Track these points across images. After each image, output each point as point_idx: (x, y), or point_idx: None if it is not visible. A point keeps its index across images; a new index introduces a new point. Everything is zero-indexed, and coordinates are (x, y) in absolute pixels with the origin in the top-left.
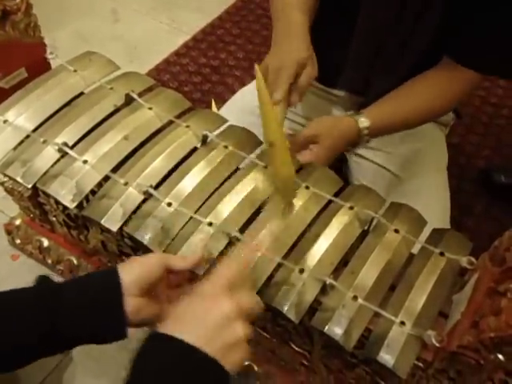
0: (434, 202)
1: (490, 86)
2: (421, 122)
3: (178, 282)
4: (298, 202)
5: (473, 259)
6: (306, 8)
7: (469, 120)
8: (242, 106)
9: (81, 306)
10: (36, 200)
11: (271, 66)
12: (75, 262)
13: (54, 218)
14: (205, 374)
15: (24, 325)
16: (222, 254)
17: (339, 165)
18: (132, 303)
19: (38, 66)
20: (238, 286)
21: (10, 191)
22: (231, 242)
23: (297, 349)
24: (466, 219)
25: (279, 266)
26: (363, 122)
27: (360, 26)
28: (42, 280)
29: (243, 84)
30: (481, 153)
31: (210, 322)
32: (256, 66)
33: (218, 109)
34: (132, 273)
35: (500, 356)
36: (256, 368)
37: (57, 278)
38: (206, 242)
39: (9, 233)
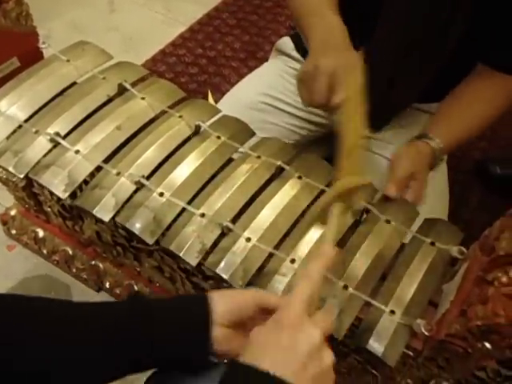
0: (432, 196)
1: None
2: (481, 131)
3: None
4: (289, 192)
5: (463, 249)
6: (336, 8)
7: None
8: (242, 100)
9: (171, 330)
10: (30, 190)
11: (331, 66)
12: (70, 252)
13: (48, 209)
14: None
15: (119, 346)
16: (215, 244)
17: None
18: (219, 332)
19: (31, 56)
20: (314, 305)
21: (4, 182)
22: (223, 233)
23: None
24: (462, 210)
25: (270, 256)
26: (436, 143)
27: (383, 30)
28: (135, 297)
29: (240, 75)
30: (477, 144)
31: (298, 352)
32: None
33: (215, 100)
34: (223, 303)
35: (487, 344)
36: None
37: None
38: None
39: (4, 223)
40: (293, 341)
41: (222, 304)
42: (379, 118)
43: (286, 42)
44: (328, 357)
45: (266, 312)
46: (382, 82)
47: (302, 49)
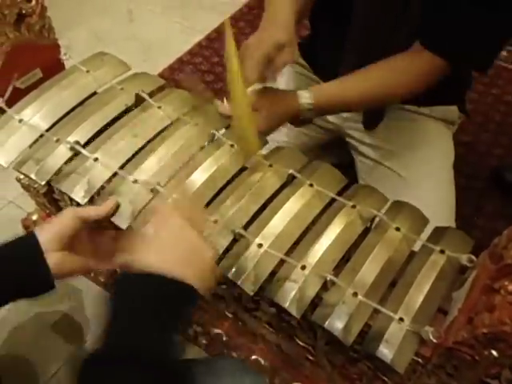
0: (436, 200)
1: (503, 84)
2: (372, 104)
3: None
4: (301, 200)
5: (472, 257)
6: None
7: (481, 118)
8: None
9: (4, 266)
10: (51, 196)
11: (248, 48)
12: None
13: None
14: (181, 300)
15: None
16: (227, 250)
17: (347, 164)
18: (54, 258)
19: (53, 67)
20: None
21: (26, 188)
22: (236, 239)
23: (301, 344)
24: (478, 218)
25: (282, 262)
26: (306, 98)
27: (355, 21)
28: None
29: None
30: (493, 151)
31: (181, 250)
32: (225, 20)
33: None
34: (48, 230)
35: (494, 352)
36: (263, 362)
37: None
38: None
39: (26, 227)
40: (172, 238)
41: (45, 233)
42: (368, 115)
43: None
44: (210, 253)
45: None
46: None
47: (308, 56)
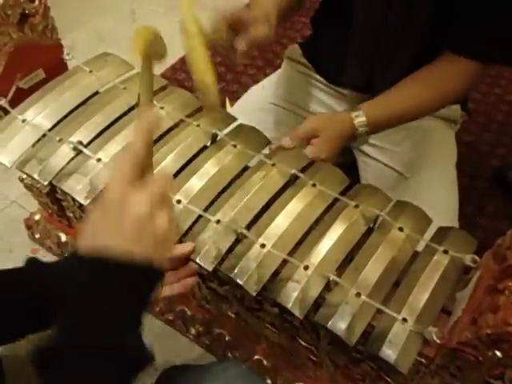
0: (439, 200)
1: (505, 83)
2: (419, 116)
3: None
4: (303, 200)
5: (476, 257)
6: None
7: (484, 118)
8: (253, 103)
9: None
10: (54, 196)
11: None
12: None
13: (71, 214)
14: (139, 280)
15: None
16: (230, 250)
17: (349, 164)
18: None
19: (56, 67)
20: (141, 173)
21: (29, 187)
22: (238, 239)
23: (304, 344)
24: (480, 218)
25: (285, 262)
26: (359, 117)
27: (356, 22)
28: (30, 261)
29: (257, 82)
30: (495, 151)
31: (129, 227)
32: None
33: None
34: None
35: (498, 353)
36: (265, 362)
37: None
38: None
39: (29, 227)
40: (120, 217)
41: None
42: None
43: (295, 49)
44: (162, 220)
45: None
46: (363, 74)
47: (310, 55)
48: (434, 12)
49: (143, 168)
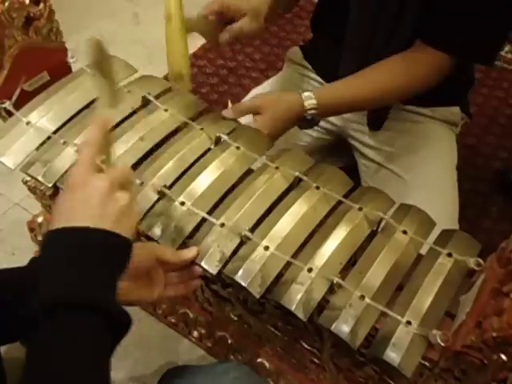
0: (439, 202)
1: (508, 86)
2: (377, 103)
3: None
4: (307, 202)
5: (480, 260)
6: None
7: (486, 121)
8: None
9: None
10: None
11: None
12: None
13: None
14: (109, 248)
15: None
16: (234, 252)
17: (350, 167)
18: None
19: (60, 70)
20: (107, 160)
21: (32, 190)
22: (242, 242)
23: (307, 347)
24: (482, 220)
25: (288, 264)
26: (309, 99)
27: (350, 22)
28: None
29: (259, 85)
30: (497, 154)
31: (91, 203)
32: None
33: None
34: None
35: (503, 356)
36: (268, 365)
37: None
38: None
39: (32, 230)
40: (83, 196)
41: None
42: (372, 115)
43: (296, 52)
44: (122, 198)
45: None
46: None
47: (310, 57)
48: (423, 11)
49: (103, 157)
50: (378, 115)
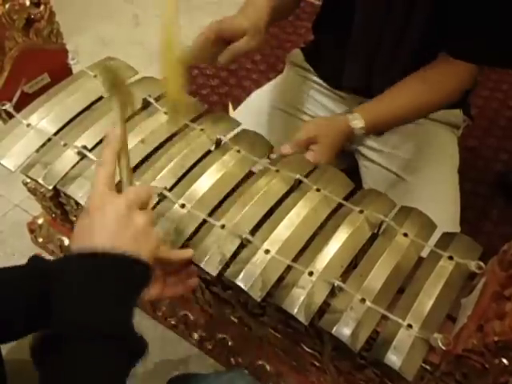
0: (441, 205)
1: (508, 88)
2: (417, 116)
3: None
4: (308, 205)
5: (481, 263)
6: None
7: (486, 123)
8: (255, 107)
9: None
10: (57, 200)
11: (211, 24)
12: None
13: (74, 218)
14: (127, 270)
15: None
16: (234, 255)
17: (351, 169)
18: None
19: (60, 72)
20: (125, 179)
21: (32, 191)
22: (243, 244)
23: (308, 350)
24: (483, 223)
25: (289, 268)
26: (356, 121)
27: (357, 24)
28: (34, 259)
29: (260, 87)
30: (498, 156)
31: (108, 224)
32: None
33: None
34: None
35: (504, 360)
36: (268, 368)
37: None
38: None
39: (32, 231)
40: (100, 217)
41: None
42: None
43: (297, 54)
44: (139, 218)
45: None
46: (362, 77)
47: (311, 59)
48: (432, 14)
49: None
50: None
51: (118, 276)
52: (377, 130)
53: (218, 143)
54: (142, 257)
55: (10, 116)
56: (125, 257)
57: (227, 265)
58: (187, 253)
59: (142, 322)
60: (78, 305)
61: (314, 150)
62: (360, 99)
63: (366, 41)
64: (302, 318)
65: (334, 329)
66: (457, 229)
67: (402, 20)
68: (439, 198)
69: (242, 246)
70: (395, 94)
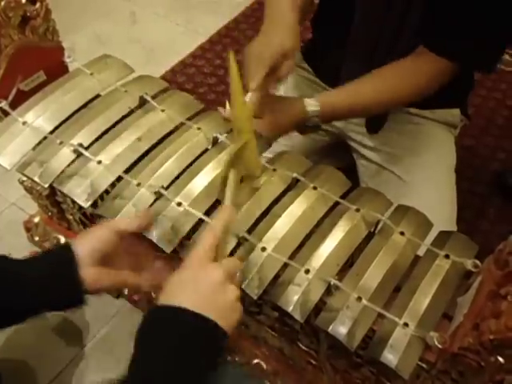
0: (437, 204)
1: (506, 88)
2: (379, 109)
3: (139, 251)
4: (305, 203)
5: (478, 262)
6: (297, 6)
7: (484, 122)
8: None
9: (38, 282)
10: (53, 199)
11: (252, 54)
12: None
13: (70, 217)
14: (207, 336)
15: None
16: (231, 253)
17: (348, 167)
18: (89, 273)
19: (56, 69)
20: (218, 252)
21: (29, 190)
22: (240, 242)
23: (304, 348)
24: (479, 222)
25: (285, 266)
26: (312, 106)
27: (355, 22)
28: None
29: None
30: (496, 155)
31: (203, 289)
32: (230, 53)
33: None
34: (85, 244)
35: (500, 358)
36: (265, 366)
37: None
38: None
39: (28, 230)
40: (196, 280)
41: (82, 247)
42: (371, 118)
43: (296, 54)
44: (231, 292)
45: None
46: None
47: (310, 59)
48: (427, 14)
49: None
50: (377, 118)
51: (201, 342)
52: (333, 118)
53: (215, 141)
54: (225, 328)
55: (6, 114)
56: (211, 325)
57: None
58: (145, 216)
59: (139, 319)
60: (157, 365)
61: (257, 124)
62: None
63: (365, 40)
64: (297, 316)
65: (331, 327)
66: (453, 228)
67: (399, 19)
68: (436, 198)
69: (238, 245)
70: (359, 85)
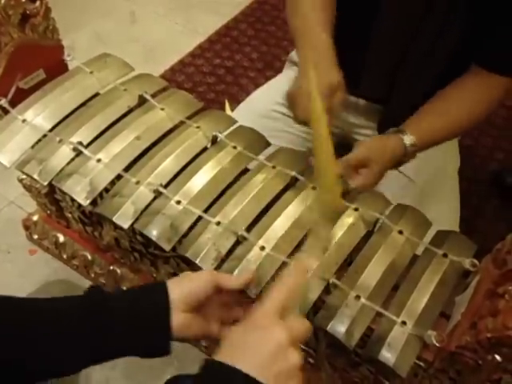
0: (445, 206)
1: None
2: (462, 132)
3: (229, 302)
4: (303, 202)
5: (475, 261)
6: (329, 27)
7: (483, 123)
8: (256, 109)
9: (130, 322)
10: (52, 197)
11: (305, 90)
12: (89, 257)
13: (69, 215)
14: None
15: (76, 338)
16: (229, 252)
17: None
18: (179, 319)
19: (56, 68)
20: (289, 310)
21: (28, 188)
22: (238, 241)
23: (302, 346)
24: (478, 221)
25: (284, 264)
26: (409, 139)
27: (381, 29)
28: (93, 291)
29: (257, 85)
30: (494, 155)
31: (264, 351)
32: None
33: (232, 109)
34: (181, 288)
35: (497, 357)
36: None
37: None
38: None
39: (27, 228)
40: (259, 340)
41: (179, 290)
42: (386, 120)
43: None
44: (294, 357)
45: (221, 291)
46: (382, 85)
47: None
48: (468, 27)
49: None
50: (393, 122)
51: None
52: (426, 148)
53: (214, 140)
54: None
55: (6, 112)
56: None
57: (222, 261)
58: (248, 275)
59: None
60: None
61: (362, 175)
62: (373, 107)
63: (394, 49)
64: None
65: (329, 326)
66: (456, 229)
67: (436, 30)
68: (440, 199)
69: (237, 243)
70: (441, 109)
